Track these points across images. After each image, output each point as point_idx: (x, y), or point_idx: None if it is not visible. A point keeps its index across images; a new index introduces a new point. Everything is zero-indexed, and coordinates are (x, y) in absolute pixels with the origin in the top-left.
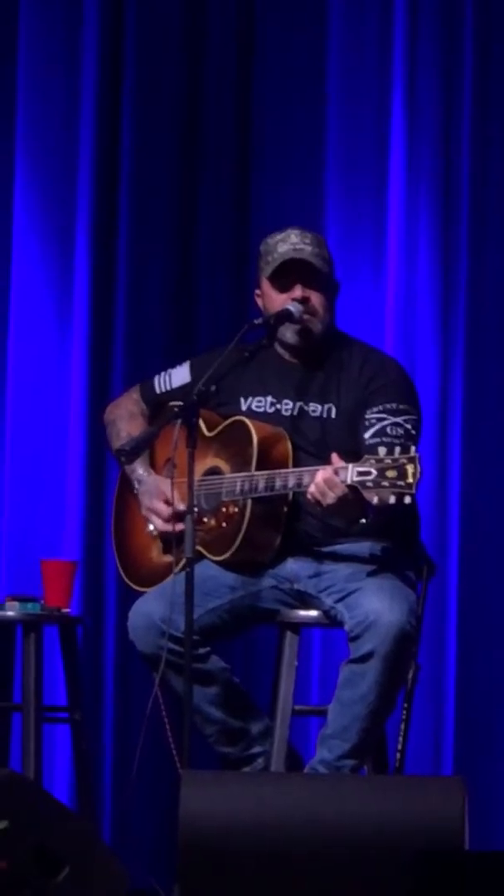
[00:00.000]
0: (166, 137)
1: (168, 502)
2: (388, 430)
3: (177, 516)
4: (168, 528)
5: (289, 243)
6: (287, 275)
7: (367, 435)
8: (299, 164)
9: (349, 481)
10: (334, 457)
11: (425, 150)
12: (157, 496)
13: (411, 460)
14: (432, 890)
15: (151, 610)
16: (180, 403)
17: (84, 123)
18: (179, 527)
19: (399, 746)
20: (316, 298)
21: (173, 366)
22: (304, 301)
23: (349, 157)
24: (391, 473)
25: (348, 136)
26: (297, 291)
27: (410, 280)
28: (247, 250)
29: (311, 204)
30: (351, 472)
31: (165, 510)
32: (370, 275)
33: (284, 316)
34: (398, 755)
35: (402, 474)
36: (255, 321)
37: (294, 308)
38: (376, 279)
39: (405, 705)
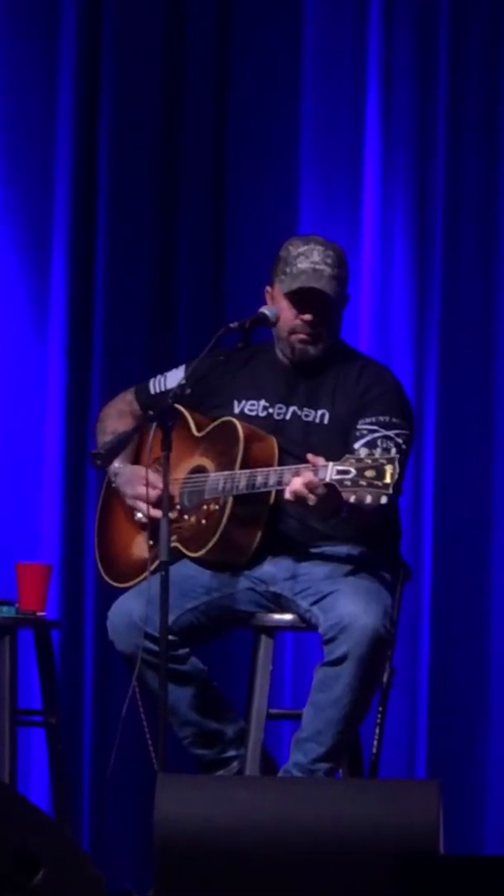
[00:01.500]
0: (143, 149)
1: (151, 486)
2: (379, 442)
3: (160, 501)
4: (155, 513)
5: (310, 261)
6: (302, 296)
7: (356, 445)
8: (275, 174)
9: (328, 479)
10: (311, 457)
11: (400, 156)
12: (139, 483)
13: (390, 461)
14: (407, 893)
15: (131, 609)
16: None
17: (61, 132)
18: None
19: (374, 749)
20: (324, 325)
21: (165, 367)
22: (310, 324)
23: (324, 167)
24: (370, 473)
25: (324, 146)
26: (308, 318)
27: (385, 289)
28: (223, 262)
29: (287, 215)
30: (331, 471)
31: (148, 495)
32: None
33: (260, 319)
34: (373, 758)
35: (381, 474)
36: (231, 325)
37: (270, 312)
38: (352, 287)
39: (380, 708)
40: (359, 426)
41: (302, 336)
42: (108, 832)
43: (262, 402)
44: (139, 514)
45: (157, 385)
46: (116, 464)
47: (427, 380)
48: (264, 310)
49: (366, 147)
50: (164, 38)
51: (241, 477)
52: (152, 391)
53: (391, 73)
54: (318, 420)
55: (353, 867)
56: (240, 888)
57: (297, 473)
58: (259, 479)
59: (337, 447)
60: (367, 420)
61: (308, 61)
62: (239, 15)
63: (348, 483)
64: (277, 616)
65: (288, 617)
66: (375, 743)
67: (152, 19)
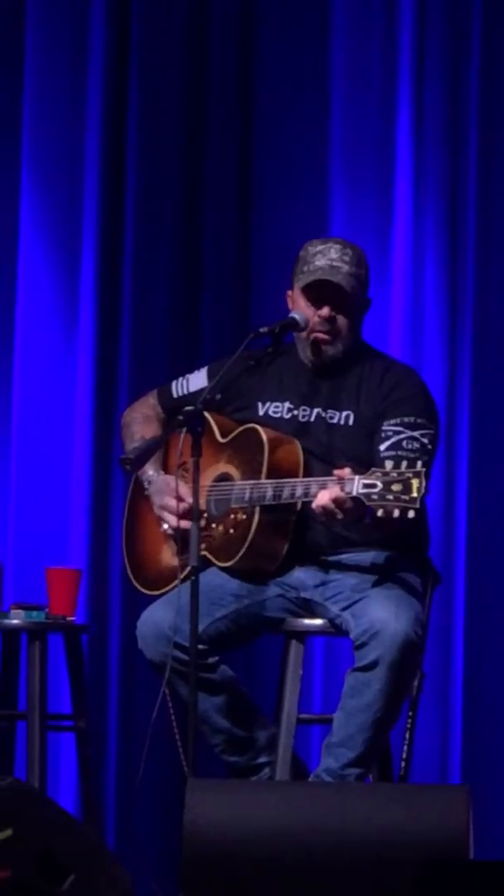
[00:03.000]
0: (170, 154)
1: (180, 499)
2: (404, 443)
3: (188, 513)
4: (185, 524)
5: (327, 258)
6: (319, 291)
7: (382, 447)
8: (303, 177)
9: (354, 493)
10: (337, 472)
11: (431, 160)
12: (169, 493)
13: (417, 475)
14: None
15: (160, 619)
16: (191, 408)
17: (90, 132)
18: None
19: (404, 755)
20: (342, 321)
21: (191, 370)
22: (329, 321)
23: (354, 170)
24: (396, 487)
25: (353, 150)
26: (325, 311)
27: (417, 294)
28: (249, 263)
29: (316, 219)
30: (357, 485)
31: (178, 507)
32: (376, 287)
33: (290, 324)
34: (403, 764)
35: (407, 488)
36: (261, 330)
37: (299, 317)
38: (381, 291)
39: (410, 714)
40: (384, 427)
41: (319, 335)
42: (137, 836)
43: (287, 404)
44: (165, 525)
45: (179, 388)
46: (150, 471)
47: (460, 383)
48: (294, 314)
49: (397, 152)
50: (188, 44)
51: (268, 487)
52: (175, 395)
53: (423, 76)
54: (342, 422)
55: (382, 872)
56: (267, 893)
57: (323, 486)
58: (286, 491)
59: (361, 449)
60: (393, 421)
61: (337, 69)
62: (265, 15)
63: (375, 497)
64: (308, 621)
65: (318, 622)
66: (406, 748)
67: (179, 28)
